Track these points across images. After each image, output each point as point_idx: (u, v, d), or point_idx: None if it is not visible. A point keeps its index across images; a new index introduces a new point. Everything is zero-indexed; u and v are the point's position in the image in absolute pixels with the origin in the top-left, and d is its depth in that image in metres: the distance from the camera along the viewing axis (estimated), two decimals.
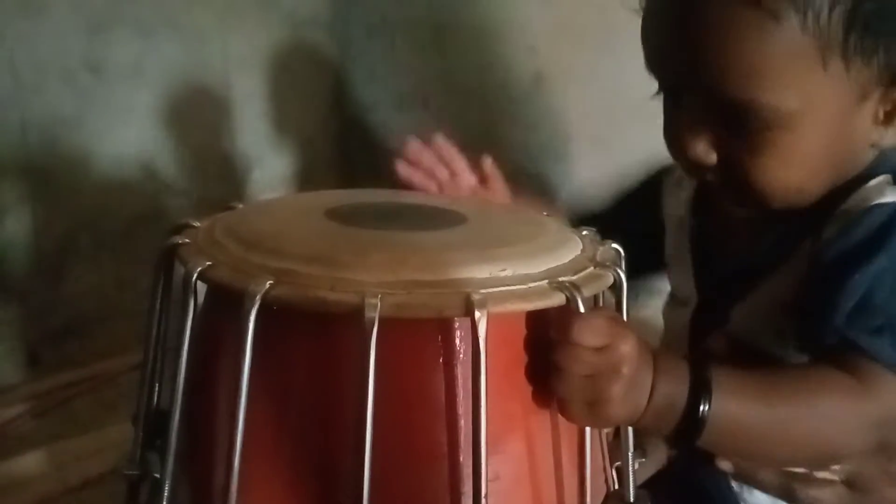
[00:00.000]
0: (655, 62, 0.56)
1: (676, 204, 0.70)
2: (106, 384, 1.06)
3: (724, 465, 0.61)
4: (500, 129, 1.19)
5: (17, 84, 1.04)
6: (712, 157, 0.55)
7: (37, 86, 1.05)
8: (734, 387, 0.49)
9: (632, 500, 0.51)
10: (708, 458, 0.61)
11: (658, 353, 0.48)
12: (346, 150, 1.40)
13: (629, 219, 0.71)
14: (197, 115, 1.21)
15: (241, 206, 0.57)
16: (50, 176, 1.07)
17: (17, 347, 1.07)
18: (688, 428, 0.48)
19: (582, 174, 1.12)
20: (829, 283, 0.54)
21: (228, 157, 1.27)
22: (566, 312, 0.44)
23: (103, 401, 1.03)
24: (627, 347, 0.45)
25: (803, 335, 0.56)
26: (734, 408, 0.49)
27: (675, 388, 0.48)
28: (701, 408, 0.48)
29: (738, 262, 0.63)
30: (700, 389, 0.48)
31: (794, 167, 0.54)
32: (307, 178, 1.35)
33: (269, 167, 1.32)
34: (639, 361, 0.46)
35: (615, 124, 1.05)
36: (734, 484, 0.63)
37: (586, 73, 1.09)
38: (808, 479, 0.60)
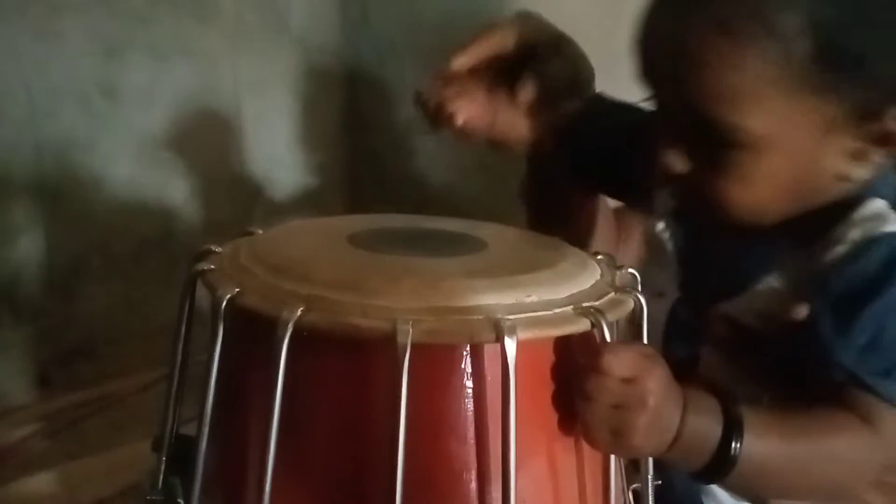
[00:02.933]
0: (643, 76, 0.58)
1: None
2: (116, 405, 1.06)
3: None
4: None
5: (31, 107, 1.05)
6: (680, 167, 0.56)
7: (51, 109, 1.06)
8: (761, 427, 0.50)
9: None
10: None
11: (687, 390, 0.49)
12: (355, 174, 1.41)
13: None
14: (208, 139, 1.22)
15: (259, 231, 0.57)
16: (63, 198, 1.08)
17: (27, 368, 1.07)
18: (717, 465, 0.49)
19: None
20: (839, 315, 0.54)
21: (238, 181, 1.28)
22: (593, 340, 0.45)
23: (113, 421, 1.03)
24: (654, 381, 0.46)
25: (812, 362, 0.56)
26: (760, 448, 0.50)
27: (706, 425, 0.49)
28: (733, 445, 0.49)
29: (721, 269, 0.64)
30: (733, 427, 0.49)
31: (755, 188, 0.55)
32: (317, 201, 1.36)
33: (278, 190, 1.33)
34: (665, 396, 0.46)
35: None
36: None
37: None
38: None
